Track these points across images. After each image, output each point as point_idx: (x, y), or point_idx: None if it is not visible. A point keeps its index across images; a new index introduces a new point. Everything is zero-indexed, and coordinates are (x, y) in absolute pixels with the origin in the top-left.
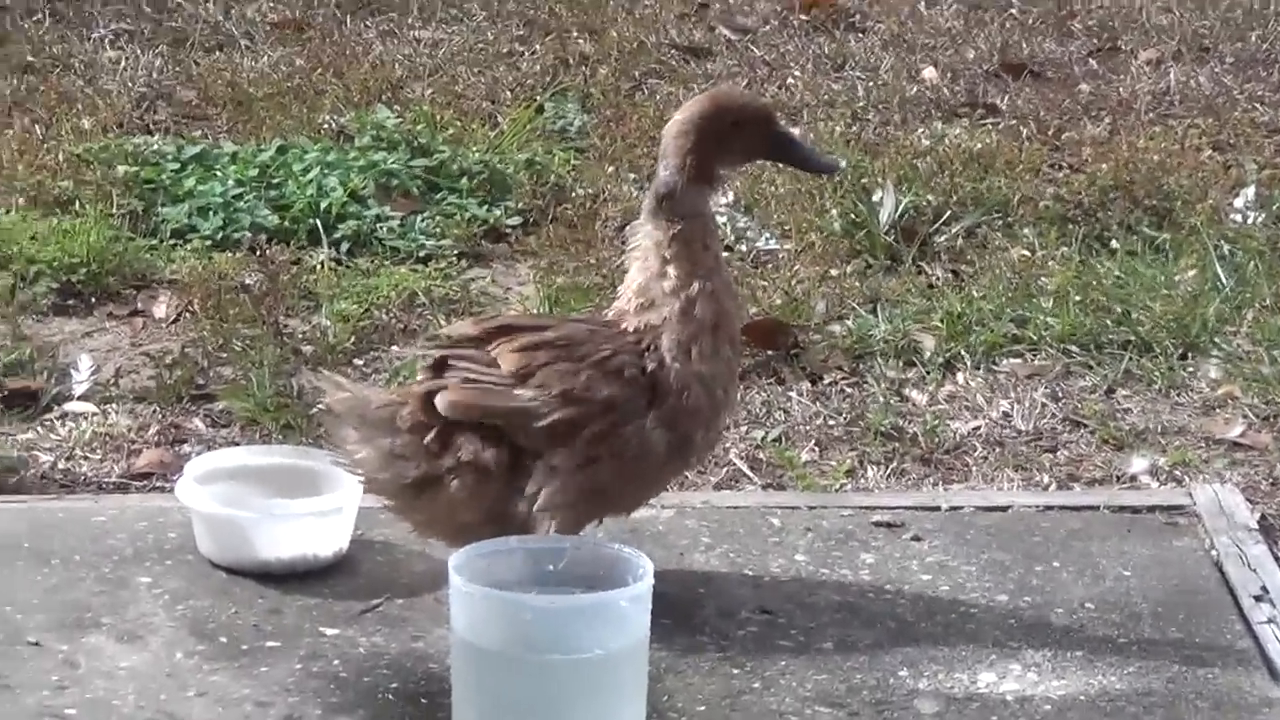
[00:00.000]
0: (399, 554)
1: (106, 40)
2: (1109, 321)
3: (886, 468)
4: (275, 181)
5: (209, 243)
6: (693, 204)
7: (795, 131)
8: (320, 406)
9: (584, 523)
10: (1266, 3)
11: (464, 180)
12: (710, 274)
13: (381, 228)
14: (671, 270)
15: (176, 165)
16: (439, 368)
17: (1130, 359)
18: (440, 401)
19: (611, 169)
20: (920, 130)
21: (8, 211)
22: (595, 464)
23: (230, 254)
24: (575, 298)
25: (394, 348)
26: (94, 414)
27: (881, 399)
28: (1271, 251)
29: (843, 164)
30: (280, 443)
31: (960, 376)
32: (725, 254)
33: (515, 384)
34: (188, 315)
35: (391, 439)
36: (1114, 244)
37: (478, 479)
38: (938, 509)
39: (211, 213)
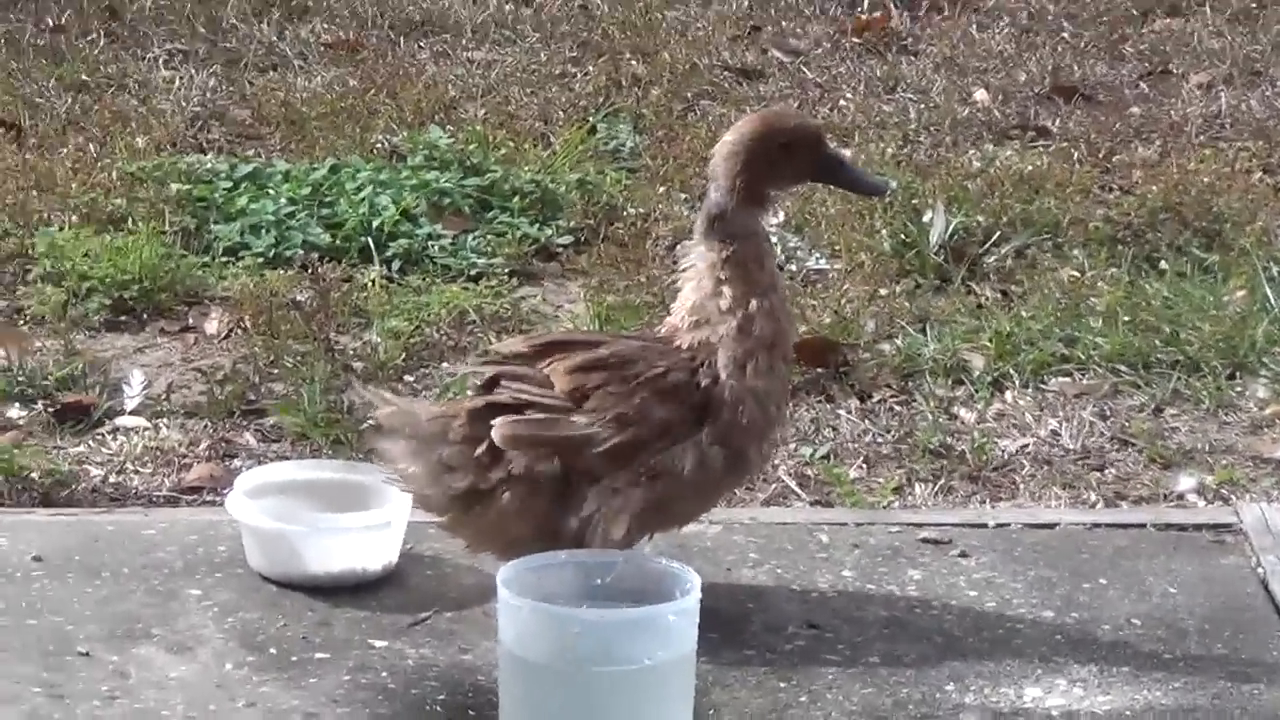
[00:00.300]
0: (447, 568)
1: (161, 60)
2: (1157, 341)
3: (934, 485)
4: (328, 200)
5: (261, 260)
6: (744, 224)
7: (845, 153)
8: (369, 422)
9: (638, 539)
10: None
11: (516, 199)
12: (766, 292)
13: (433, 246)
14: (726, 290)
15: (229, 184)
16: (490, 386)
17: (1178, 379)
18: (496, 435)
19: (663, 189)
20: (971, 152)
21: (62, 228)
22: (653, 482)
23: (282, 271)
24: (626, 316)
25: (444, 365)
26: (145, 428)
27: (930, 417)
28: None
29: (893, 184)
30: (330, 458)
31: (1009, 395)
32: None
33: (570, 407)
34: (239, 331)
35: (441, 451)
36: (1163, 265)
37: (529, 492)
38: (985, 526)
39: (264, 230)
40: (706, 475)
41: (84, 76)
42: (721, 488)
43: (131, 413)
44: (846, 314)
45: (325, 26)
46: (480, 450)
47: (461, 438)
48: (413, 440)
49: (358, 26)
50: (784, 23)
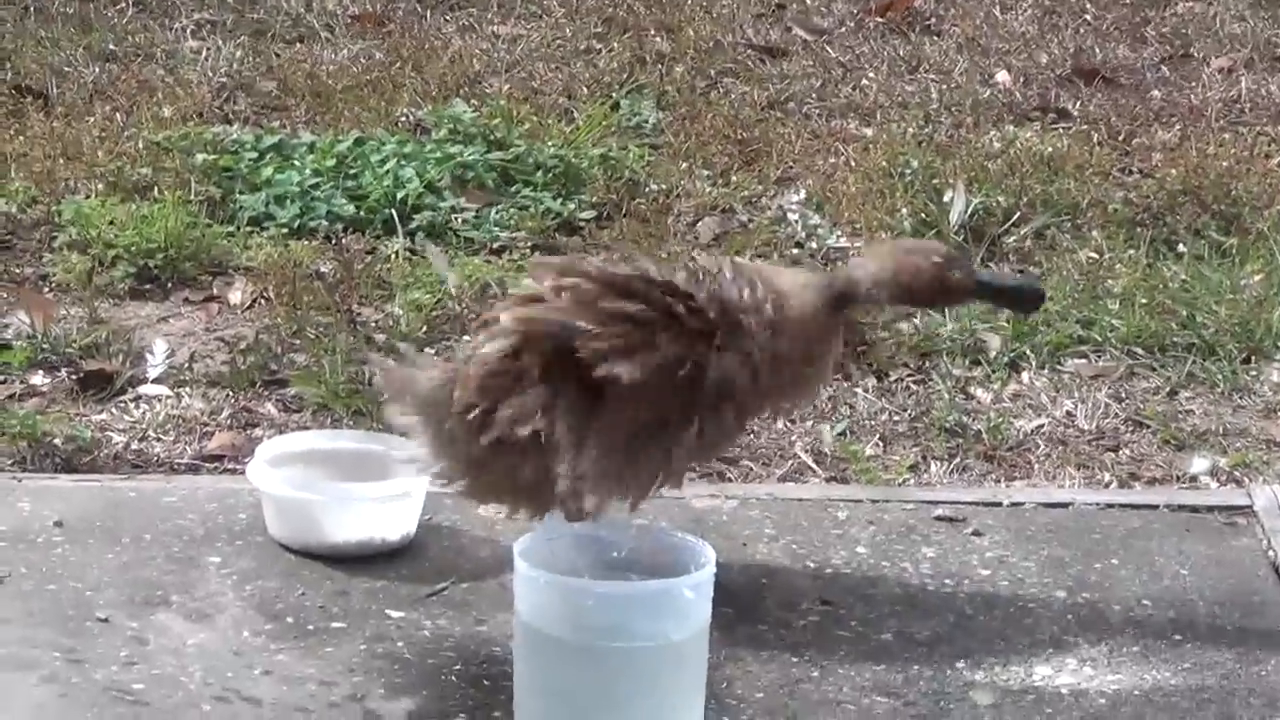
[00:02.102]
0: (465, 539)
1: (188, 30)
2: (1174, 324)
3: (949, 464)
4: (352, 172)
5: (285, 230)
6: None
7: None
8: (375, 379)
9: (610, 501)
10: None
11: (539, 174)
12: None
13: (456, 219)
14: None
15: (255, 154)
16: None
17: (1194, 361)
18: (504, 316)
19: (685, 165)
20: (992, 133)
21: (87, 197)
22: (637, 438)
23: (306, 242)
24: None
25: (466, 337)
26: (167, 397)
27: (946, 396)
28: None
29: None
30: (351, 428)
31: (1025, 375)
32: (796, 250)
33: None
34: (262, 302)
35: (444, 419)
36: (1181, 248)
37: (516, 452)
38: (999, 505)
39: (288, 201)
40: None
41: (112, 46)
42: (701, 447)
43: (154, 381)
44: None
45: None
46: (473, 415)
47: (461, 405)
48: (414, 406)
49: None
50: (808, 1)
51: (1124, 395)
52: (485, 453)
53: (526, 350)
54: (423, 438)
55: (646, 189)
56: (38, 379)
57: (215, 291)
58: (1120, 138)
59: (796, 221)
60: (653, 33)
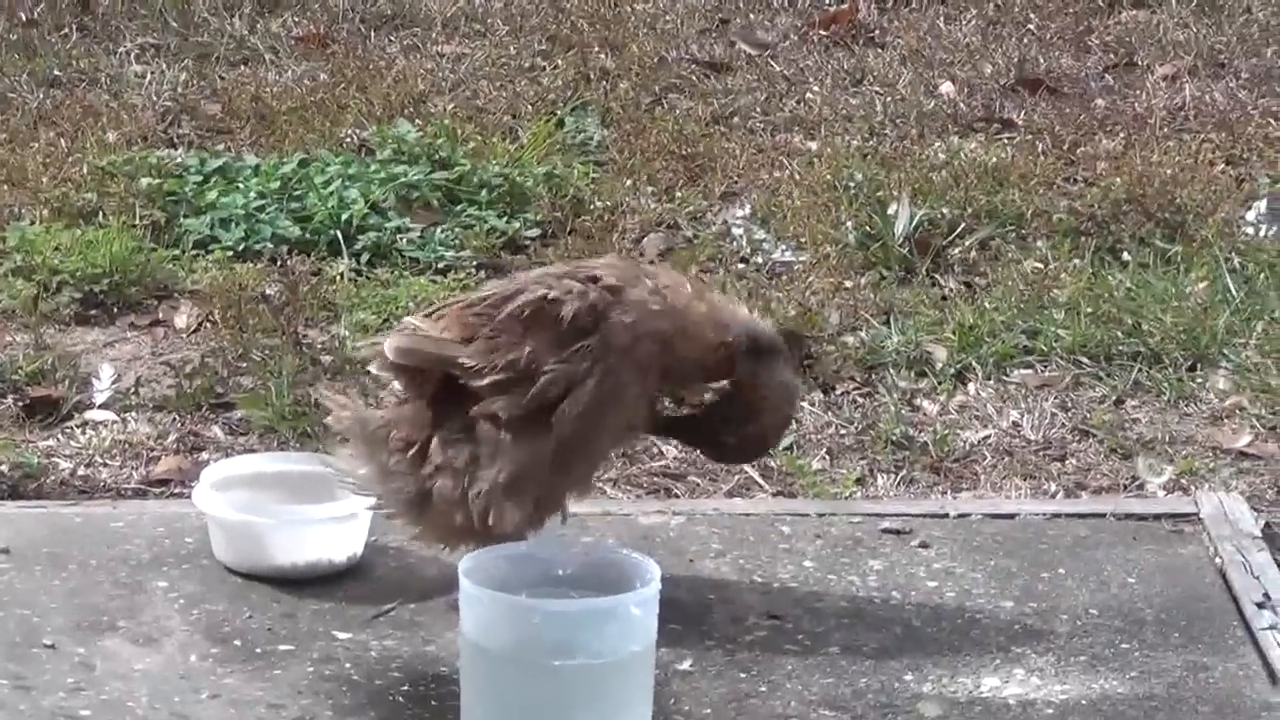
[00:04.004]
0: (411, 559)
1: (133, 55)
2: (1119, 333)
3: (896, 476)
4: (297, 193)
5: (230, 253)
6: None
7: None
8: (325, 422)
9: (547, 510)
10: None
11: (484, 193)
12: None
13: (401, 239)
14: None
15: (199, 178)
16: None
17: (1140, 370)
18: (388, 348)
19: (630, 182)
20: (936, 144)
21: (32, 223)
22: (541, 427)
23: (251, 265)
24: None
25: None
26: (114, 422)
27: (893, 408)
28: None
29: None
30: (297, 450)
31: (971, 387)
32: (741, 265)
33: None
34: (208, 325)
35: (384, 457)
36: (1126, 256)
37: (455, 479)
38: (946, 516)
39: (233, 224)
40: (588, 406)
41: (56, 71)
42: (605, 426)
43: (100, 406)
44: (811, 306)
45: (296, 20)
46: (413, 451)
47: (400, 444)
48: (362, 444)
49: (329, 20)
50: (751, 15)
51: (1070, 405)
52: (427, 488)
53: (411, 380)
54: (366, 474)
55: (591, 206)
56: None
57: (161, 315)
58: (1064, 147)
59: (741, 236)
60: (597, 50)
